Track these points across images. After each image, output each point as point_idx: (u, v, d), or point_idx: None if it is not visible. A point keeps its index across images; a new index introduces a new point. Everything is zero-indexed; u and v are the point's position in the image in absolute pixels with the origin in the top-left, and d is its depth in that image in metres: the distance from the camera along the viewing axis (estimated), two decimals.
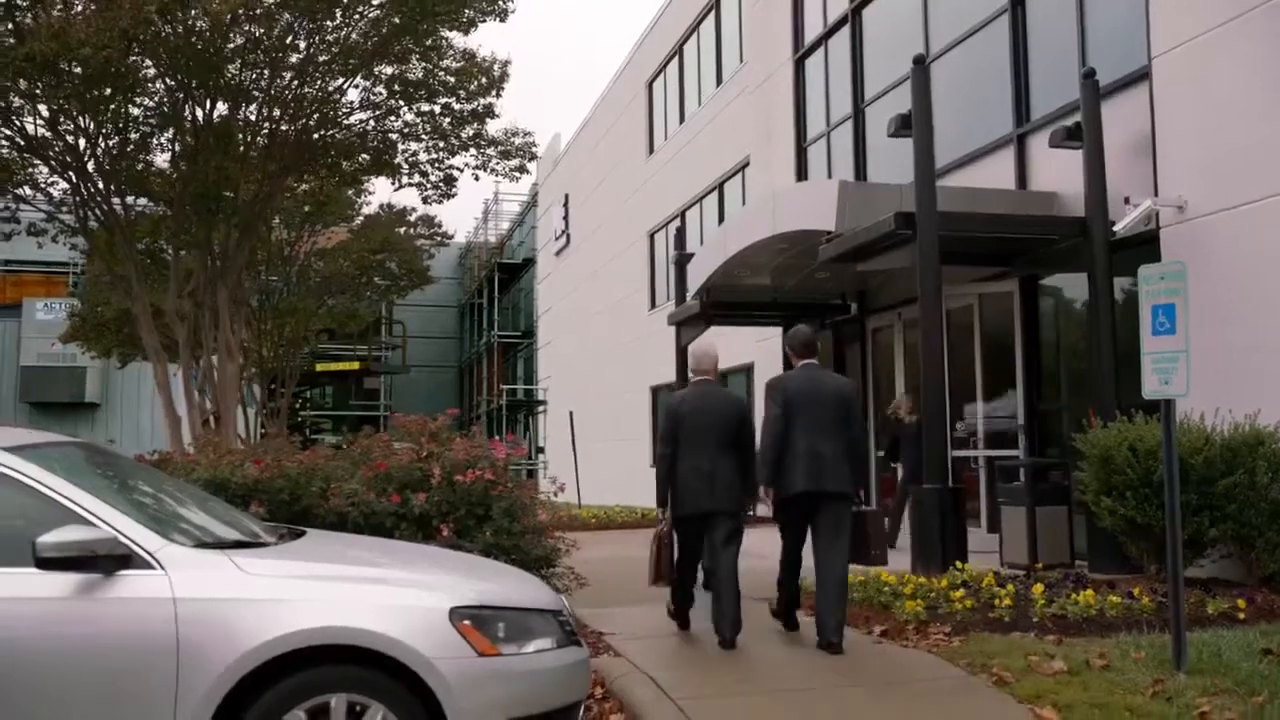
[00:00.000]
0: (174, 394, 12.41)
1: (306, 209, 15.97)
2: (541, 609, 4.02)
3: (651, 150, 24.42)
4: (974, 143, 11.16)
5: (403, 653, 3.56)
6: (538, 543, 6.35)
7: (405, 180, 12.72)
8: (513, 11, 11.73)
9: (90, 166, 11.74)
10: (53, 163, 11.77)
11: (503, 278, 39.31)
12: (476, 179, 14.09)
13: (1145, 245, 8.62)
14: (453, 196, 13.58)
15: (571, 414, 16.88)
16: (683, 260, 14.79)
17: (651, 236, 24.56)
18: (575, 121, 40.54)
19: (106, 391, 31.65)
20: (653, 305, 24.52)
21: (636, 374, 24.22)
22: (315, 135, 11.93)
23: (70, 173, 11.87)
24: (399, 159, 12.46)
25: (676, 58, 23.03)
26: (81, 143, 11.67)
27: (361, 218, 18.05)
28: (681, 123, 22.77)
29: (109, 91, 10.47)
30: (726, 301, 13.86)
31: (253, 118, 11.70)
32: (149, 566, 3.56)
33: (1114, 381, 8.46)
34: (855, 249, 9.64)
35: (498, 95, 12.20)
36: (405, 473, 6.11)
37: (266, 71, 11.06)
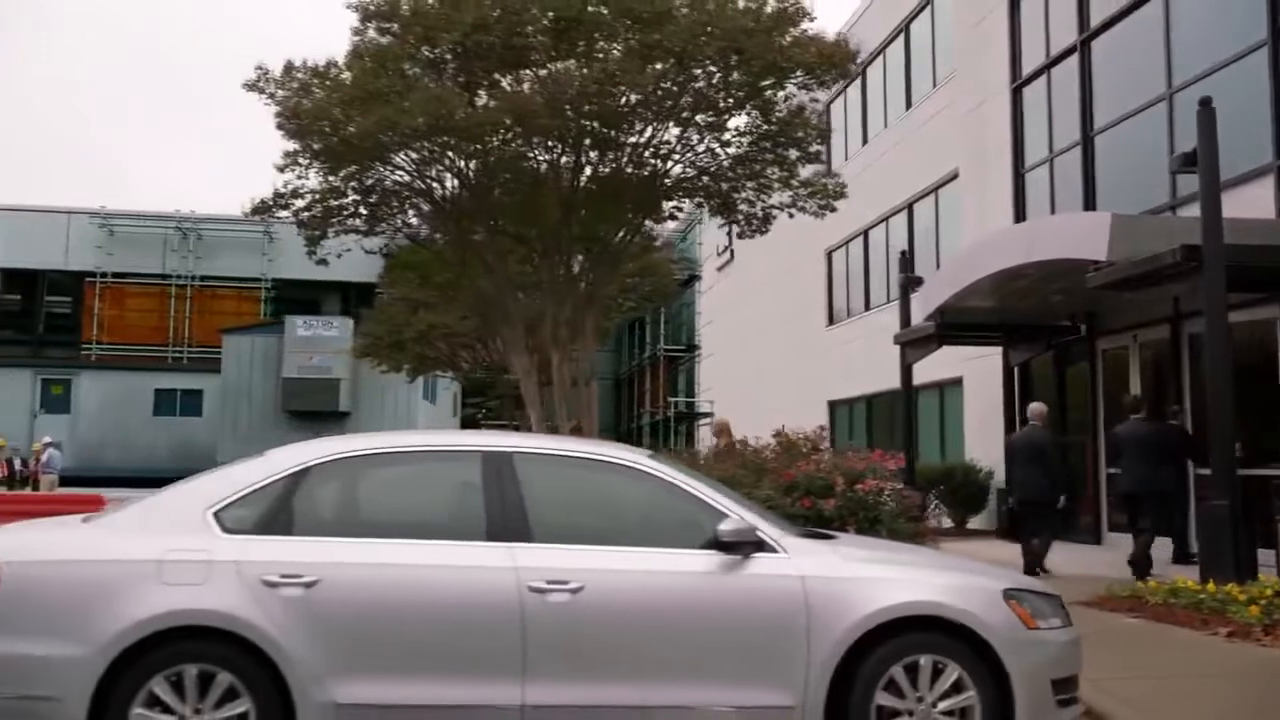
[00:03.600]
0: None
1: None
2: (1049, 594, 4.87)
3: (830, 170, 25.08)
4: (1226, 171, 11.55)
5: (975, 623, 4.43)
6: (918, 544, 7.22)
7: (732, 218, 13.90)
8: (856, 72, 13.01)
9: (470, 206, 13.20)
10: (437, 204, 13.31)
11: None
12: (791, 216, 15.21)
13: None
14: (766, 233, 14.75)
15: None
16: (909, 284, 15.52)
17: (829, 255, 25.25)
18: None
19: (356, 401, 34.33)
20: (830, 322, 25.22)
21: (812, 389, 24.90)
22: (668, 179, 13.19)
23: (451, 211, 13.37)
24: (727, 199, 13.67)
25: (859, 80, 23.62)
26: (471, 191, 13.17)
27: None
28: (865, 144, 23.40)
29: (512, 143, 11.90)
30: (955, 323, 14.54)
31: (618, 165, 13.00)
32: (774, 551, 4.52)
33: None
34: (1132, 278, 10.25)
35: (821, 142, 13.24)
36: (810, 481, 7.07)
37: (644, 126, 12.35)
